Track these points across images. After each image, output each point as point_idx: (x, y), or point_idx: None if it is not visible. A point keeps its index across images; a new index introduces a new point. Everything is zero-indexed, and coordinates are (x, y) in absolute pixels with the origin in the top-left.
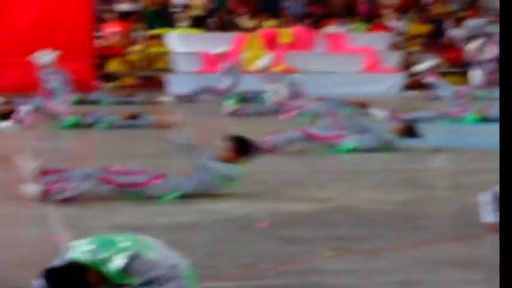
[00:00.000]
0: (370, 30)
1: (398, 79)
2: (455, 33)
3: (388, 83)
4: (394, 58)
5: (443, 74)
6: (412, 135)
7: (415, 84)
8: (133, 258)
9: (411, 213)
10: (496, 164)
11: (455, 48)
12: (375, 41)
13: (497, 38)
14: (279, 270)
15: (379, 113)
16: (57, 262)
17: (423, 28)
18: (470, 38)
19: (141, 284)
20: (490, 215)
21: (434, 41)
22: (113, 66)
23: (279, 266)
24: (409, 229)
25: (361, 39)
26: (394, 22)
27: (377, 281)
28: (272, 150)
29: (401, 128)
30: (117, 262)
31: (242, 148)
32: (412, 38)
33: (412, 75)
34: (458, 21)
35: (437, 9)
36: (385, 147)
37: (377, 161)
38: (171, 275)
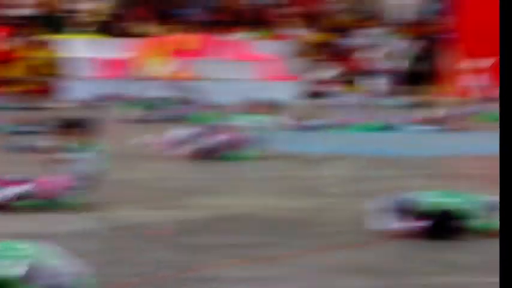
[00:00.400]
0: (274, 38)
1: (300, 86)
2: (356, 42)
3: (291, 90)
4: (297, 66)
5: (345, 83)
6: None
7: (316, 91)
8: (33, 266)
9: (310, 220)
10: (393, 171)
11: (357, 57)
12: (277, 48)
13: (395, 48)
14: (178, 278)
15: (281, 120)
16: None
17: (326, 36)
18: (371, 47)
19: None
20: (387, 221)
21: (337, 49)
22: (13, 71)
23: (178, 274)
24: (308, 236)
25: (265, 47)
26: (298, 30)
27: None
28: (171, 150)
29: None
30: (17, 269)
31: (71, 126)
32: (315, 46)
33: (313, 83)
34: (360, 31)
35: (340, 18)
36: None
37: (276, 168)
38: (70, 283)
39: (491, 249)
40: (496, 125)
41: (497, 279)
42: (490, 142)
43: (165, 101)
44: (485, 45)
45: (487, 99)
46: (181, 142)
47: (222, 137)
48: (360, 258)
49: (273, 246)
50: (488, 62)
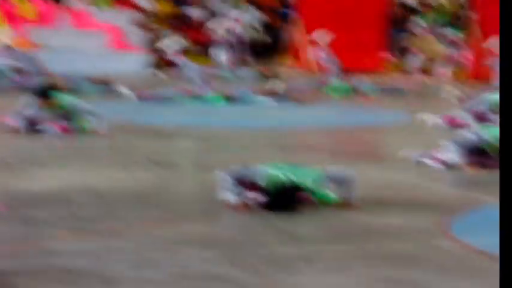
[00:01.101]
0: (118, 7)
1: (143, 57)
2: (200, 12)
3: (133, 61)
4: (139, 36)
5: (188, 53)
6: None
7: (161, 63)
8: None
9: (153, 192)
10: (237, 144)
11: (202, 28)
12: (119, 17)
13: (240, 19)
14: (13, 252)
15: (124, 91)
16: None
17: (169, 7)
18: (216, 17)
19: None
20: (229, 194)
21: (180, 20)
22: None
23: (14, 247)
24: (150, 208)
25: (105, 16)
26: (142, 0)
27: (114, 261)
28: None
29: None
30: None
31: None
32: (158, 16)
33: (158, 53)
34: (204, 1)
35: None
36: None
37: (120, 140)
38: None
39: (330, 219)
40: (341, 97)
41: (336, 247)
42: (331, 115)
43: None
44: (330, 17)
45: (332, 72)
46: (16, 114)
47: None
48: (203, 230)
49: (115, 218)
50: (330, 36)
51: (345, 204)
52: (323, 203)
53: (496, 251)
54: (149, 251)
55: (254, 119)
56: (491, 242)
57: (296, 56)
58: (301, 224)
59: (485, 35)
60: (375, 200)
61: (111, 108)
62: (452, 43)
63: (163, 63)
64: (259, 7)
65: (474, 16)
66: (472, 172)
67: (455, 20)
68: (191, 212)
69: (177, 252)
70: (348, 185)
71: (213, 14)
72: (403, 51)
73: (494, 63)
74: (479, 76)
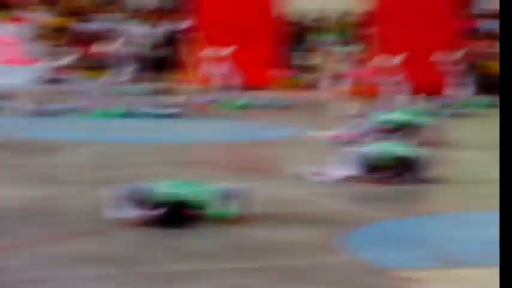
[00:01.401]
0: (13, 20)
1: (37, 71)
2: (96, 27)
3: (27, 75)
4: (34, 50)
5: (84, 68)
6: None
7: (55, 77)
8: None
9: (43, 209)
10: (133, 159)
11: (97, 43)
12: (17, 31)
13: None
14: None
15: (16, 105)
16: None
17: (65, 21)
18: (111, 32)
19: None
20: (122, 211)
21: (76, 34)
22: None
23: None
24: (41, 225)
25: (3, 30)
26: (37, 13)
27: (7, 280)
28: None
29: None
30: None
31: None
32: (54, 30)
33: (52, 68)
34: (100, 15)
35: (79, 2)
36: None
37: (10, 155)
38: None
39: (224, 235)
40: (236, 112)
41: (229, 264)
42: (227, 130)
43: None
44: (226, 34)
45: (228, 87)
46: None
47: None
48: (95, 247)
49: (6, 236)
50: (229, 50)
51: (239, 220)
52: (218, 219)
53: (389, 266)
54: (43, 269)
55: (150, 134)
56: (384, 257)
57: (193, 71)
58: (196, 240)
59: (384, 52)
60: (270, 215)
61: (1, 123)
62: (349, 60)
63: (57, 77)
64: (157, 22)
65: (371, 33)
66: (363, 187)
67: (352, 38)
68: (83, 229)
69: (71, 269)
70: (243, 200)
71: (110, 29)
72: (300, 68)
73: (385, 80)
74: (373, 92)
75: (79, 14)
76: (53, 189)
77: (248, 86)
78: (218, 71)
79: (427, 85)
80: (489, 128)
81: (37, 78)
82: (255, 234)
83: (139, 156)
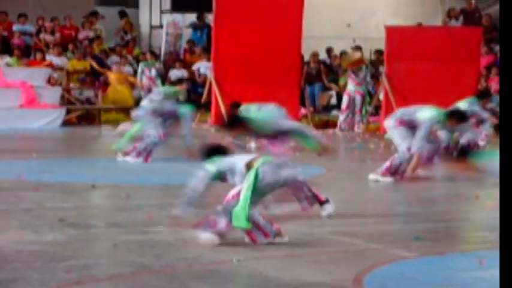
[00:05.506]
0: (27, 65)
1: (57, 115)
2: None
3: (47, 118)
4: (53, 94)
5: None
6: None
7: (75, 120)
8: None
9: (62, 253)
10: (152, 201)
11: None
12: (32, 76)
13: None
14: None
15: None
16: None
17: (82, 64)
18: None
19: None
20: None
21: (94, 77)
22: None
23: None
24: (59, 271)
25: (18, 74)
26: (53, 57)
27: None
28: None
29: None
30: None
31: None
32: (71, 73)
33: (72, 111)
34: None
35: (98, 46)
36: None
37: (29, 200)
38: None
39: None
40: None
41: None
42: None
43: None
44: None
45: None
46: None
47: None
48: None
49: (21, 282)
50: None
51: None
52: None
53: None
54: None
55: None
56: None
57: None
58: None
59: None
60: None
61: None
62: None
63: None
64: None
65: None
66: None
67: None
68: (104, 273)
69: None
70: None
71: None
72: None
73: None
74: None
75: (96, 56)
76: (69, 233)
77: None
78: None
79: None
80: None
81: (57, 121)
82: None
83: (150, 198)
